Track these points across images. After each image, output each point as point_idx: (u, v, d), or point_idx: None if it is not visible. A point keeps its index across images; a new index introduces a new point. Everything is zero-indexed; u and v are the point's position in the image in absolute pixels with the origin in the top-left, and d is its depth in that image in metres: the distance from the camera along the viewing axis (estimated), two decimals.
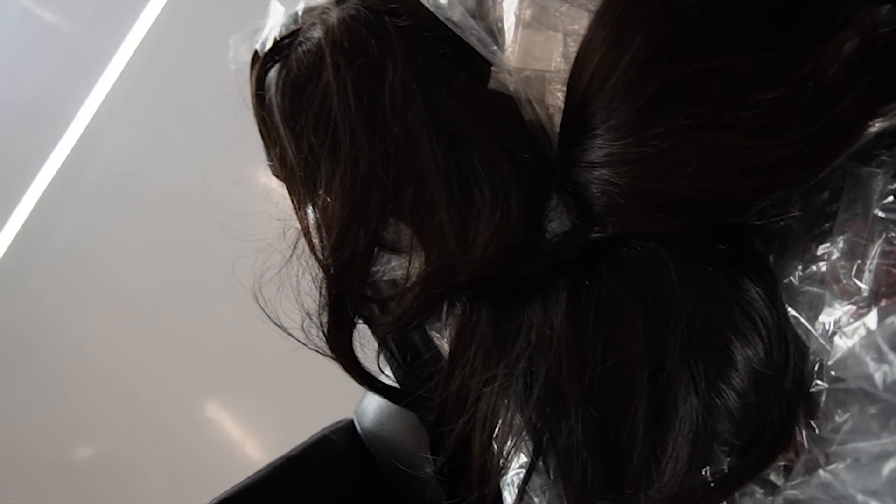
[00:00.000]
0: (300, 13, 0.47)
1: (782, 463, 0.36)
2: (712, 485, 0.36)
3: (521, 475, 0.41)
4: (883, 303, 0.34)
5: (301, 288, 0.46)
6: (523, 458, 0.41)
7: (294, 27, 0.47)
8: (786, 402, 0.35)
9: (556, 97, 0.44)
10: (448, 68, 0.44)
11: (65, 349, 1.88)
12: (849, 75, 0.34)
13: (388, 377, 0.52)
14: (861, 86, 0.35)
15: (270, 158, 0.48)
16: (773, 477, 0.36)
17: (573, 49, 0.43)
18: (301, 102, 0.44)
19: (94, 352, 1.85)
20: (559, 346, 0.40)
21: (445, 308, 0.45)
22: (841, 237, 0.35)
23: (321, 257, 0.44)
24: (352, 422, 0.68)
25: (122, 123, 1.92)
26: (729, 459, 0.37)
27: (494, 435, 0.43)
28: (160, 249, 1.81)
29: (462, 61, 0.44)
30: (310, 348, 0.48)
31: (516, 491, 0.41)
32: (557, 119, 0.42)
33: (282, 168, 0.46)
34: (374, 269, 0.45)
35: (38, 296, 1.95)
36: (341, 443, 0.64)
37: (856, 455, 0.32)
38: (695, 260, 0.40)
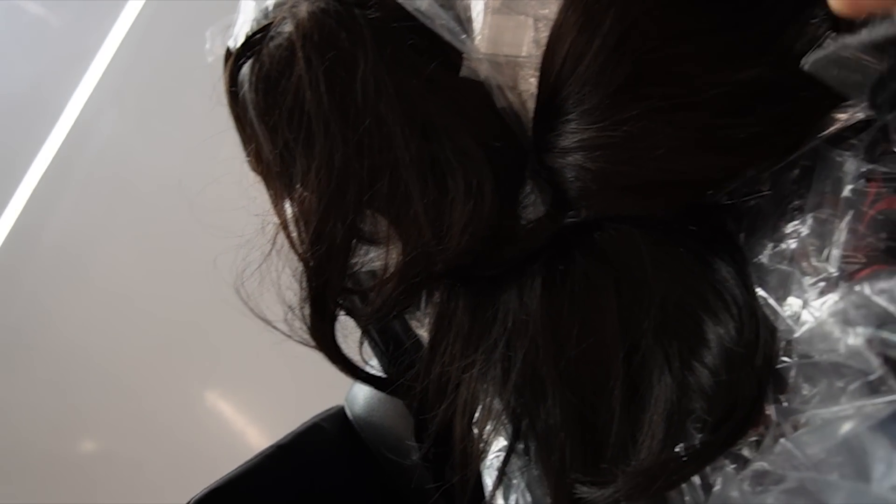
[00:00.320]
0: (270, 8, 0.47)
1: (753, 438, 0.36)
2: (684, 460, 0.37)
3: (501, 458, 0.42)
4: (850, 279, 0.34)
5: (282, 282, 0.47)
6: (503, 442, 0.42)
7: (265, 22, 0.47)
8: (756, 378, 0.36)
9: (529, 83, 0.44)
10: (419, 58, 0.44)
11: (62, 345, 1.89)
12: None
13: (372, 366, 0.52)
14: None
15: (247, 154, 0.48)
16: (745, 452, 0.36)
17: (544, 34, 0.43)
18: (274, 97, 0.44)
19: (91, 347, 1.85)
20: (535, 331, 0.41)
21: (424, 297, 0.46)
22: (810, 215, 0.36)
23: (300, 251, 0.45)
24: (342, 408, 0.69)
25: (112, 116, 1.91)
26: (701, 436, 0.37)
27: (475, 420, 0.43)
28: (153, 242, 1.81)
29: (432, 51, 0.44)
30: (294, 340, 0.48)
31: (496, 473, 0.42)
32: (531, 105, 0.43)
33: (258, 163, 0.47)
34: (352, 260, 0.45)
35: (33, 292, 1.95)
36: (332, 429, 0.65)
37: (816, 422, 0.32)
38: (667, 241, 0.40)
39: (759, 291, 0.36)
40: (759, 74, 0.35)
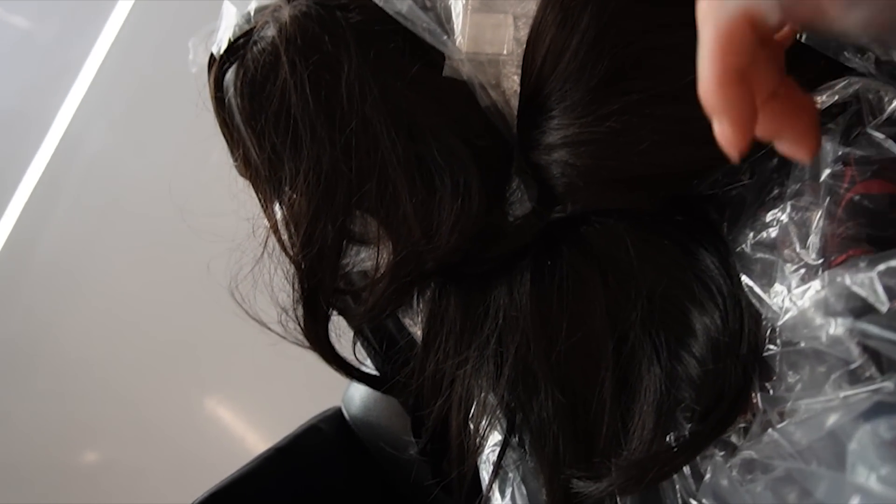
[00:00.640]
0: (252, 13, 0.48)
1: (742, 425, 0.37)
2: (675, 450, 0.37)
3: (497, 452, 0.43)
4: (831, 265, 0.35)
5: (275, 284, 0.47)
6: (498, 436, 0.43)
7: (247, 27, 0.47)
8: (742, 366, 0.37)
9: (512, 81, 0.44)
10: (401, 60, 0.44)
11: (60, 356, 1.89)
12: (793, 46, 0.35)
13: (367, 366, 0.53)
14: (804, 57, 0.35)
15: (235, 159, 0.49)
16: (733, 438, 0.37)
17: (524, 32, 0.44)
18: (260, 102, 0.45)
19: (89, 357, 1.85)
20: (526, 326, 0.41)
21: (416, 296, 0.46)
22: (790, 203, 0.36)
23: (291, 253, 0.45)
24: (339, 409, 0.70)
25: (101, 127, 1.91)
26: (690, 425, 0.38)
27: (470, 415, 0.44)
28: (147, 251, 1.81)
29: (415, 52, 0.44)
30: (289, 341, 0.49)
31: (492, 467, 0.43)
32: (514, 103, 0.43)
33: (246, 168, 0.47)
34: (344, 261, 0.46)
35: (30, 305, 1.95)
36: (330, 430, 0.65)
37: (803, 412, 0.33)
38: (652, 233, 0.41)
39: (745, 280, 0.37)
40: None
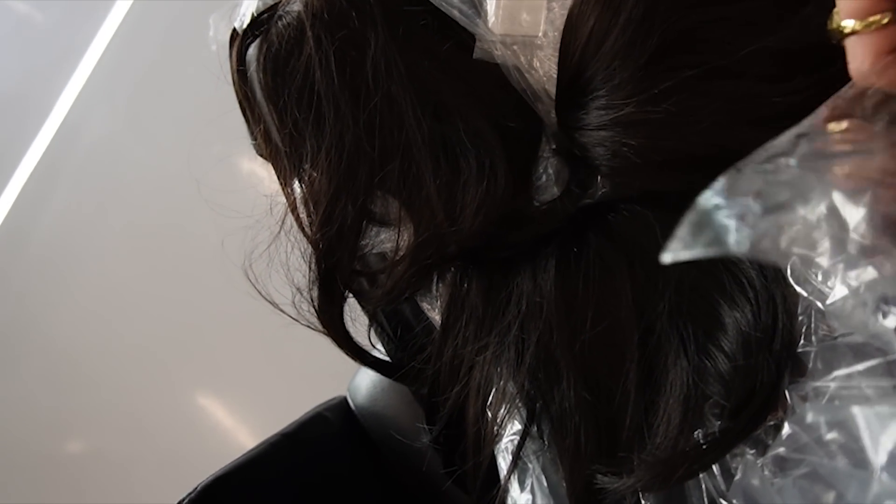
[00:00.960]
0: None
1: (771, 422, 0.36)
2: (704, 448, 0.36)
3: (515, 442, 0.42)
4: (872, 256, 0.34)
5: (290, 264, 0.47)
6: (517, 425, 0.42)
7: (272, 1, 0.46)
8: (775, 363, 0.36)
9: (546, 63, 0.43)
10: (431, 39, 0.43)
11: (53, 342, 1.88)
12: None
13: (379, 351, 0.52)
14: None
15: (254, 136, 0.48)
16: (762, 436, 0.36)
17: (557, 13, 0.43)
18: (283, 77, 0.44)
19: (82, 344, 1.84)
20: (549, 313, 0.41)
21: (436, 279, 0.45)
22: (829, 194, 0.35)
23: (309, 233, 0.44)
24: (345, 399, 0.69)
25: (103, 111, 1.90)
26: (720, 422, 0.37)
27: (488, 403, 0.43)
28: (145, 238, 1.80)
29: (445, 31, 0.43)
30: (301, 324, 0.48)
31: (510, 457, 0.42)
32: (548, 85, 0.42)
33: (266, 145, 0.46)
34: (362, 242, 0.45)
35: (23, 291, 1.93)
36: (335, 419, 0.64)
37: (819, 398, 0.32)
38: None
39: (787, 272, 0.36)
40: (793, 37, 0.34)
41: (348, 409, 0.66)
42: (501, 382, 0.42)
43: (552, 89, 0.42)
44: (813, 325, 0.34)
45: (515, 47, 0.43)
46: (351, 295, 0.47)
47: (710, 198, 0.28)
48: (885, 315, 0.29)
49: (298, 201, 0.45)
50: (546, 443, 0.41)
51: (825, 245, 0.35)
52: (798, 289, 0.35)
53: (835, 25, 0.30)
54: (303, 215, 0.45)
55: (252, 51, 0.46)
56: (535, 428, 0.42)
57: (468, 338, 0.43)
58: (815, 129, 0.30)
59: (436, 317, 0.46)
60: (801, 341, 0.35)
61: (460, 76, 0.43)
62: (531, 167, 0.43)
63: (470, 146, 0.41)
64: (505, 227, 0.41)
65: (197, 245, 1.61)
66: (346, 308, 0.47)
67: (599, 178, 0.42)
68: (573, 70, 0.40)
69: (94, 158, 1.90)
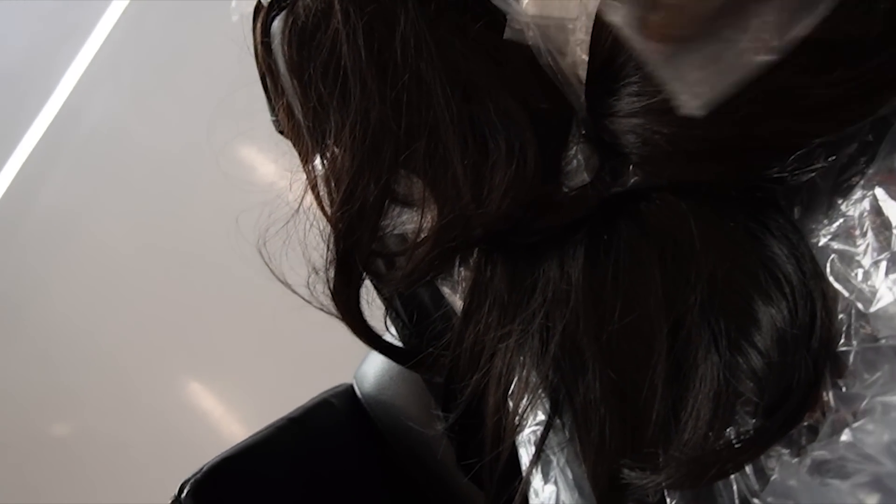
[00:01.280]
0: None
1: (806, 423, 0.35)
2: (738, 447, 0.35)
3: (538, 433, 0.41)
4: None
5: (306, 242, 0.45)
6: (540, 416, 0.41)
7: None
8: (812, 361, 0.35)
9: (578, 47, 0.42)
10: (461, 18, 0.42)
11: (49, 321, 1.87)
12: None
13: (391, 336, 0.51)
14: None
15: (275, 112, 0.47)
16: (799, 438, 0.35)
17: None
18: (309, 51, 0.43)
19: (78, 324, 1.83)
20: (577, 302, 0.39)
21: (458, 264, 0.44)
22: (871, 191, 0.34)
23: (329, 211, 0.43)
24: (351, 386, 0.68)
25: (108, 90, 1.88)
26: (754, 421, 0.36)
27: (510, 392, 0.42)
28: (145, 219, 1.79)
29: (476, 10, 0.42)
30: (314, 306, 0.47)
31: (533, 449, 0.41)
32: (580, 69, 0.41)
33: (288, 120, 0.45)
34: (384, 222, 0.44)
35: (22, 266, 1.92)
36: (342, 406, 0.63)
37: (884, 410, 0.31)
38: (716, 214, 0.39)
39: (829, 264, 0.35)
40: (837, 27, 0.33)
41: (354, 397, 0.65)
42: (524, 371, 0.41)
43: (583, 74, 0.41)
44: (854, 325, 0.33)
45: (548, 30, 0.42)
46: (368, 277, 0.46)
47: None
48: None
49: (319, 179, 0.44)
50: (568, 435, 0.40)
51: (867, 242, 0.34)
52: (838, 287, 0.34)
53: None
54: (323, 193, 0.43)
55: (277, 23, 0.45)
56: (559, 420, 0.40)
57: (491, 324, 0.42)
58: None
59: (457, 302, 0.45)
60: (842, 340, 0.34)
61: (491, 56, 0.42)
62: (561, 152, 0.42)
63: (500, 127, 0.40)
64: (533, 211, 0.40)
65: (197, 229, 1.60)
66: (363, 291, 0.46)
67: (630, 165, 0.40)
68: (605, 55, 0.38)
69: (97, 137, 1.89)
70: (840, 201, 0.36)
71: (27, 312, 1.88)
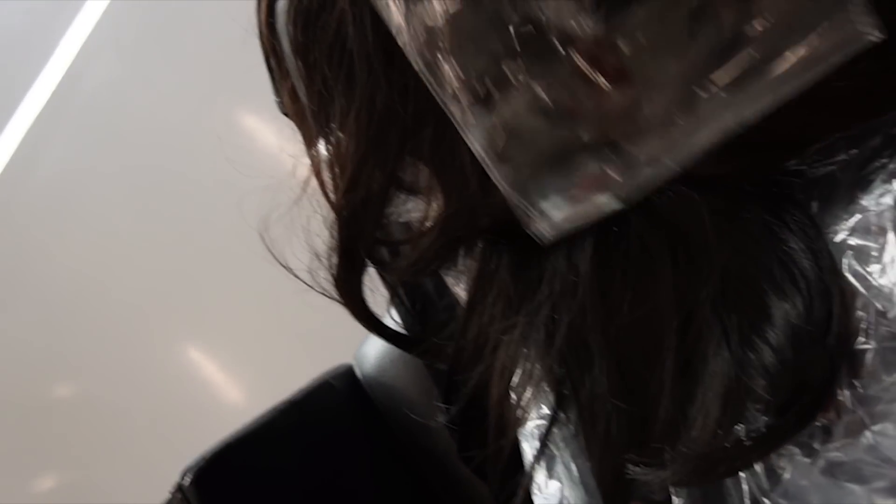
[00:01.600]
0: None
1: (819, 423, 0.34)
2: (748, 444, 0.35)
3: (542, 427, 0.40)
4: None
5: (310, 228, 0.45)
6: (544, 410, 0.40)
7: None
8: (827, 359, 0.34)
9: None
10: None
11: (50, 285, 1.87)
12: None
13: (395, 322, 0.50)
14: None
15: (279, 94, 0.46)
16: (811, 438, 0.34)
17: None
18: (314, 32, 0.41)
19: (79, 288, 1.83)
20: (584, 295, 0.39)
21: (463, 253, 0.43)
22: (893, 186, 0.33)
23: (333, 198, 0.42)
24: (351, 367, 0.67)
25: (109, 58, 1.86)
26: (766, 419, 0.35)
27: (513, 384, 0.41)
28: (148, 187, 1.79)
29: None
30: (316, 291, 0.46)
31: (537, 443, 0.40)
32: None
33: (292, 103, 0.44)
34: (388, 210, 0.43)
35: (24, 232, 1.92)
36: (342, 388, 0.63)
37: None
38: (731, 207, 0.38)
39: (846, 263, 0.34)
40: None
41: (354, 379, 0.65)
42: (528, 364, 0.40)
43: None
44: (873, 323, 0.32)
45: None
46: (372, 265, 0.45)
47: None
48: None
49: (323, 164, 0.42)
50: (573, 429, 0.40)
51: (887, 238, 0.33)
52: (856, 283, 0.33)
53: None
54: (327, 179, 0.42)
55: (282, 3, 0.44)
56: (564, 414, 0.40)
57: (495, 316, 0.41)
58: None
59: (460, 292, 0.44)
60: (860, 338, 0.33)
61: None
62: None
63: None
64: None
65: (203, 195, 1.59)
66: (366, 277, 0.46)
67: None
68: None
69: (100, 100, 1.87)
70: (860, 196, 0.35)
71: (30, 276, 1.88)
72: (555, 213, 0.33)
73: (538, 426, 0.40)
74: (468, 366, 0.43)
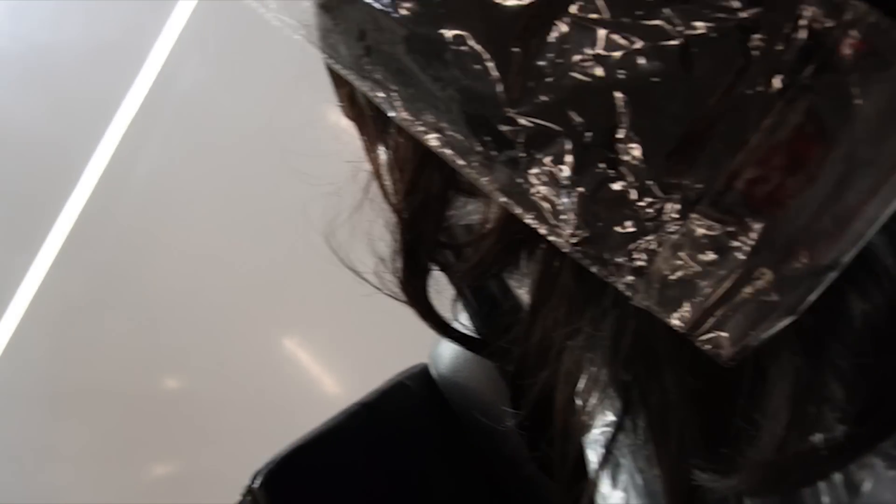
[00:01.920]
0: None
1: None
2: (824, 454, 0.33)
3: (607, 434, 0.39)
4: None
5: (374, 232, 0.45)
6: (609, 416, 0.39)
7: None
8: None
9: None
10: None
11: (154, 284, 1.94)
12: None
13: (463, 325, 0.50)
14: None
15: (340, 98, 0.46)
16: (894, 448, 0.32)
17: None
18: None
19: (180, 286, 1.90)
20: None
21: (525, 257, 0.43)
22: None
23: (393, 201, 0.42)
24: (426, 367, 0.67)
25: (196, 62, 1.92)
26: (844, 427, 0.33)
27: (578, 390, 0.40)
28: (240, 187, 1.83)
29: None
30: (384, 293, 0.46)
31: (602, 450, 0.39)
32: None
33: (352, 107, 0.44)
34: (449, 213, 0.42)
35: (125, 234, 2.00)
36: (417, 388, 0.63)
37: None
38: None
39: None
40: None
41: (429, 379, 0.65)
42: (594, 370, 0.39)
43: None
44: None
45: None
46: (435, 267, 0.45)
47: None
48: None
49: (383, 168, 0.42)
50: (641, 437, 0.38)
51: None
52: None
53: None
54: (387, 183, 0.42)
55: None
56: (630, 421, 0.39)
57: (559, 320, 0.40)
58: None
59: (524, 295, 0.44)
60: None
61: None
62: None
63: None
64: None
65: (295, 195, 1.62)
66: (433, 279, 0.45)
67: None
68: None
69: (189, 106, 1.93)
70: None
71: (132, 278, 1.96)
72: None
73: (603, 432, 0.39)
74: (534, 370, 0.42)
